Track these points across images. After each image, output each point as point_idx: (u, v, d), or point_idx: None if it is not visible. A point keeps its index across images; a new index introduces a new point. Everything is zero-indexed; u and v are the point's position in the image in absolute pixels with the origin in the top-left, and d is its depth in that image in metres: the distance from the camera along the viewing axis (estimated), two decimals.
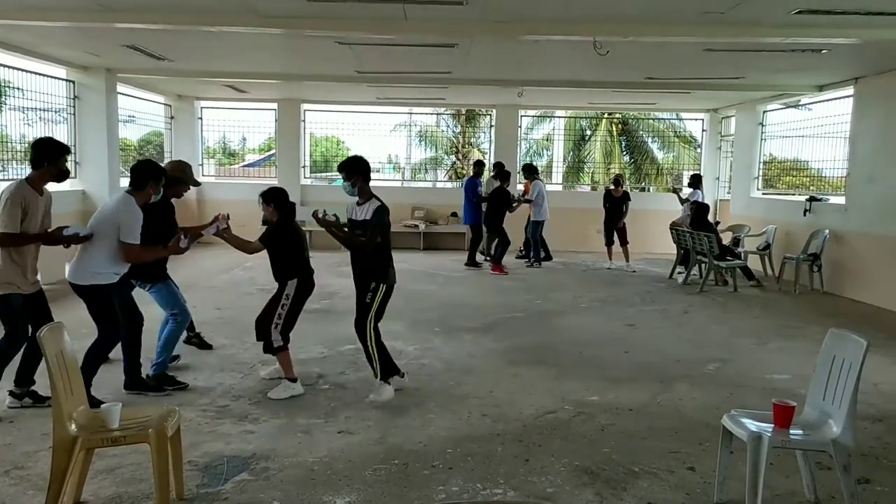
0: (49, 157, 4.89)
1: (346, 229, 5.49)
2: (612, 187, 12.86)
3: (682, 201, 12.53)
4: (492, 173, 13.49)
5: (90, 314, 5.24)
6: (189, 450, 4.16)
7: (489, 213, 12.16)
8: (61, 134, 10.83)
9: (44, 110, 10.44)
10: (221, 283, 10.19)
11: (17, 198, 4.71)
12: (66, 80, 10.72)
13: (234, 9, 6.89)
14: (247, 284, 10.13)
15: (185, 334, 6.25)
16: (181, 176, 6.02)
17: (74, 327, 7.07)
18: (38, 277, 5.30)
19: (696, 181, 12.90)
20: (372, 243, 5.24)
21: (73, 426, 3.38)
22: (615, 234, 12.63)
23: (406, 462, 4.20)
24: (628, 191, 13.00)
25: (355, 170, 5.32)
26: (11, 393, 4.99)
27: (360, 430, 4.69)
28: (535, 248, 12.78)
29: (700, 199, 12.18)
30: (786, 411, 3.59)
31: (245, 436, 4.54)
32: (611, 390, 5.66)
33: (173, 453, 3.60)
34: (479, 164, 13.26)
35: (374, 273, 5.36)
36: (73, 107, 10.85)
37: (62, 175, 5.07)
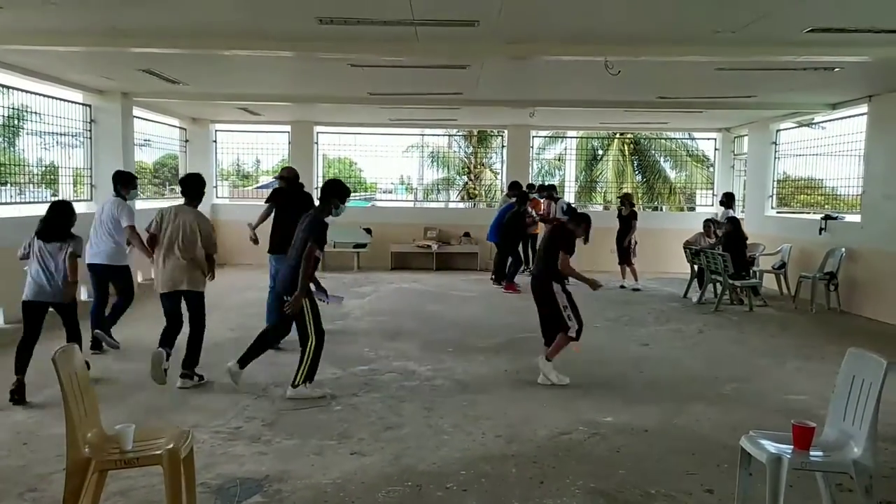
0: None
1: None
2: (620, 206, 12.83)
3: (719, 226, 11.83)
4: (505, 192, 13.57)
5: (122, 285, 7.38)
6: (202, 471, 4.15)
7: (508, 232, 12.18)
8: (77, 158, 10.97)
9: (61, 134, 10.56)
10: (234, 304, 10.20)
11: None
12: (83, 105, 10.86)
13: (246, 32, 6.97)
14: (258, 305, 10.11)
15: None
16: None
17: (88, 348, 7.14)
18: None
19: (728, 200, 12.67)
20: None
21: (87, 448, 3.37)
22: (619, 252, 12.51)
23: (419, 484, 4.16)
24: (636, 209, 12.90)
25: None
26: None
27: (373, 452, 4.66)
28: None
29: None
30: (805, 432, 3.53)
31: (258, 457, 4.52)
32: (626, 411, 5.60)
33: (186, 475, 3.58)
34: (517, 187, 13.24)
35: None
36: (90, 130, 10.97)
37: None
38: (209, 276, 6.31)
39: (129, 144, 11.40)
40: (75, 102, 10.75)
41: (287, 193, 7.95)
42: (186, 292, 6.19)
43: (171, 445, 3.44)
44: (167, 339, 6.18)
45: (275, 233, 7.71)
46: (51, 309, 5.83)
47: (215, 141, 15.68)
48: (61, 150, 10.83)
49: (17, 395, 5.53)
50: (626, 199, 12.94)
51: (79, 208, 10.52)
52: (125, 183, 7.63)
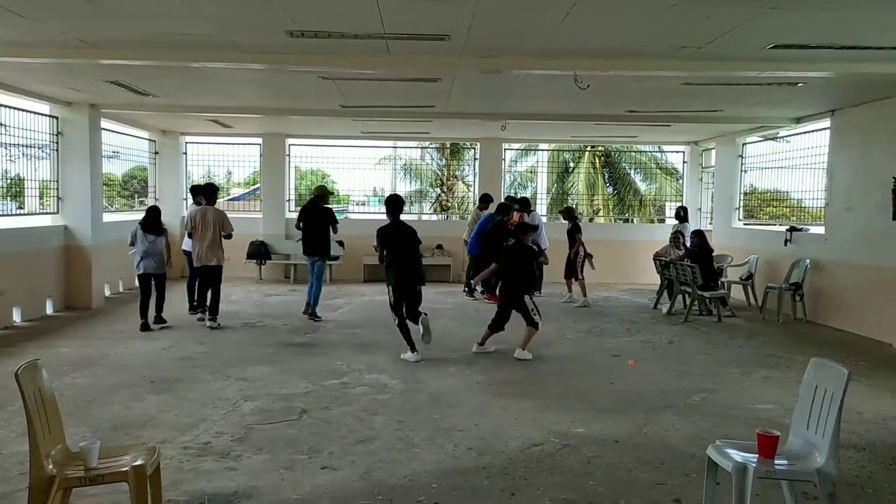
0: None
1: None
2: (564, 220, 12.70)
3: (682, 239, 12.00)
4: (477, 205, 13.63)
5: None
6: (169, 488, 4.10)
7: (489, 244, 12.19)
8: (44, 170, 10.81)
9: (27, 146, 10.40)
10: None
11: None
12: (50, 116, 10.70)
13: (217, 44, 6.93)
14: (230, 318, 10.05)
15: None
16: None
17: (55, 363, 7.04)
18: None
19: (685, 214, 12.67)
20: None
21: (51, 465, 3.32)
22: (566, 265, 12.30)
23: (391, 497, 4.15)
24: (579, 223, 12.55)
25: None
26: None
27: (344, 466, 4.63)
28: (539, 278, 12.90)
29: (686, 232, 12.12)
30: (770, 441, 3.59)
31: (227, 473, 4.47)
32: (596, 422, 5.64)
33: (153, 492, 3.53)
34: (489, 199, 13.29)
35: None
36: (57, 143, 10.81)
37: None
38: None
39: (96, 157, 11.25)
40: (42, 114, 10.59)
41: (316, 208, 10.14)
42: (215, 266, 9.41)
43: (137, 462, 3.40)
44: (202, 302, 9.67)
45: (308, 240, 10.10)
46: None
47: (185, 153, 15.55)
48: (27, 162, 10.66)
49: (144, 329, 9.02)
50: (566, 214, 12.75)
51: (44, 221, 10.56)
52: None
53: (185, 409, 5.80)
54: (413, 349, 7.70)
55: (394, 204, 7.92)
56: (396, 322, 7.83)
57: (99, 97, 10.42)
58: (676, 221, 12.72)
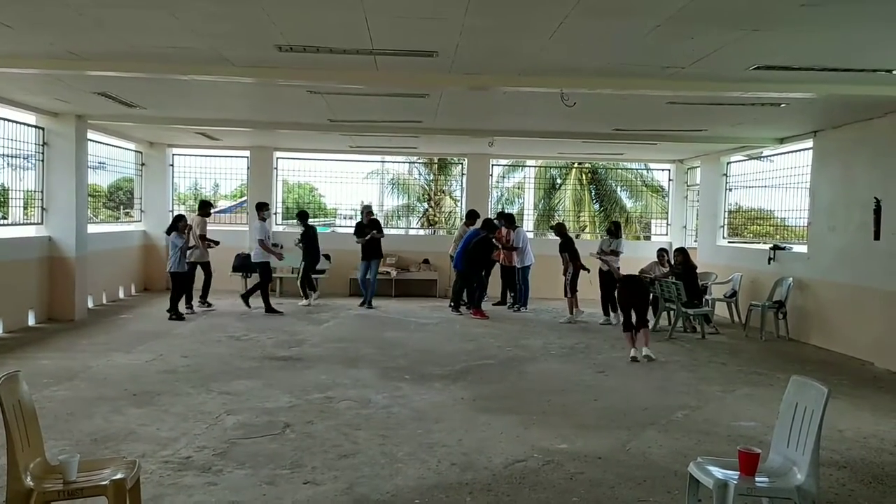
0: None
1: None
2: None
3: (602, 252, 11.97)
4: (463, 221, 13.69)
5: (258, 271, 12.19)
6: (149, 503, 4.07)
7: (474, 259, 12.24)
8: (29, 181, 10.74)
9: (12, 156, 10.34)
10: (189, 331, 10.04)
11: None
12: (36, 127, 10.65)
13: (205, 58, 6.94)
14: (215, 331, 10.00)
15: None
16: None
17: (36, 375, 6.97)
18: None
19: (616, 229, 12.33)
20: None
21: (29, 478, 3.29)
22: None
23: None
24: (570, 239, 12.46)
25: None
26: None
27: (326, 481, 4.61)
28: (524, 293, 13.05)
29: (621, 249, 12.02)
30: (751, 459, 3.62)
31: (208, 488, 4.44)
32: (580, 438, 5.65)
33: None
34: (475, 216, 13.36)
35: None
36: (42, 153, 10.76)
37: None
38: None
39: (82, 167, 11.19)
40: (28, 125, 10.54)
41: (370, 222, 13.12)
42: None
43: (117, 476, 3.37)
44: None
45: (365, 247, 12.89)
46: None
47: (172, 165, 15.50)
48: (12, 172, 10.60)
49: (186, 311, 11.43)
50: (557, 230, 12.67)
51: (28, 231, 10.49)
52: (259, 208, 12.45)
53: (167, 423, 5.75)
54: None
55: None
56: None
57: (86, 108, 10.39)
58: (608, 237, 12.42)
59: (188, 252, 11.48)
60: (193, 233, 11.81)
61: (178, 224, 11.32)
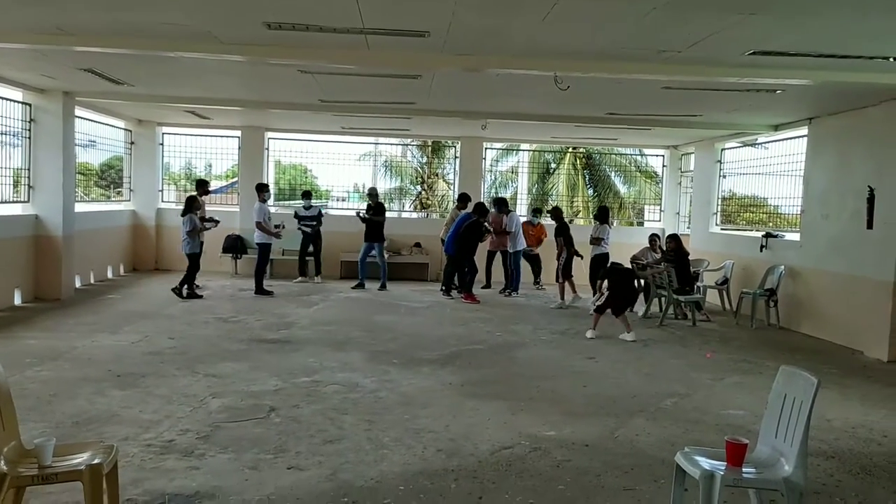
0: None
1: None
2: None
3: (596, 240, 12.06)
4: (455, 205, 13.59)
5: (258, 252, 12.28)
6: (129, 487, 4.01)
7: (463, 243, 12.18)
8: (16, 158, 10.59)
9: None
10: (177, 312, 9.95)
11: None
12: (22, 103, 10.48)
13: (193, 35, 6.81)
14: (203, 313, 9.92)
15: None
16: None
17: (20, 355, 6.90)
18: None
19: (603, 214, 12.34)
20: None
21: (2, 462, 3.22)
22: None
23: (356, 499, 4.08)
24: (565, 224, 12.47)
25: None
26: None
27: (310, 466, 4.56)
28: (516, 278, 13.03)
29: (605, 236, 12.03)
30: (738, 449, 3.57)
31: (190, 472, 4.38)
32: (568, 425, 5.61)
33: (110, 491, 3.44)
34: (467, 199, 13.30)
35: None
36: (29, 130, 10.59)
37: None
38: None
39: (69, 145, 11.03)
40: (14, 101, 10.37)
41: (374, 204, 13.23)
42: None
43: (94, 461, 3.31)
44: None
45: (368, 229, 13.02)
46: None
47: (162, 144, 15.32)
48: None
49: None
50: (553, 214, 12.60)
51: (14, 210, 10.35)
52: (259, 189, 12.56)
53: (151, 406, 5.68)
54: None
55: None
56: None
57: (73, 85, 10.23)
58: (597, 223, 12.39)
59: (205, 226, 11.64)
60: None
61: (193, 205, 11.33)
